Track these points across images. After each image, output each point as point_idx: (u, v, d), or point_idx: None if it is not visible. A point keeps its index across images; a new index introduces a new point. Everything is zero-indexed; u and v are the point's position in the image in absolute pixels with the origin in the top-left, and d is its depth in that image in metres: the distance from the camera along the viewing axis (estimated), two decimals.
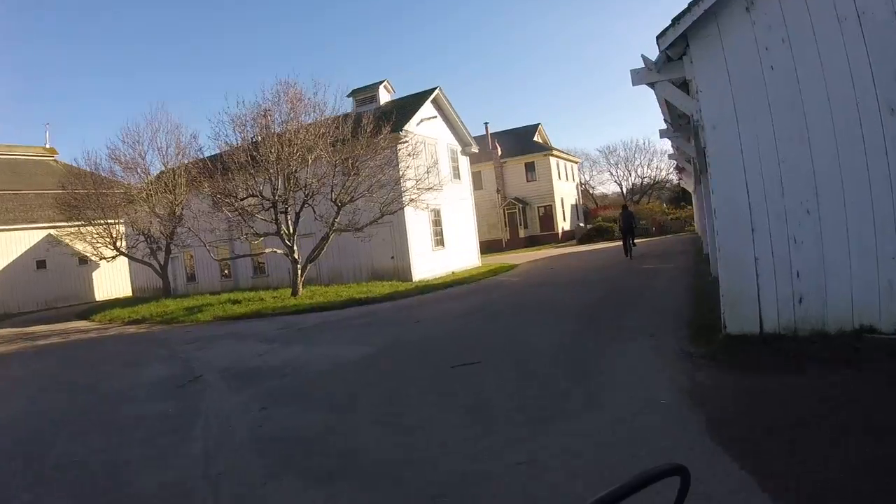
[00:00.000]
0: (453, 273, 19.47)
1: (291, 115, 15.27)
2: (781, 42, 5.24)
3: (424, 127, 20.09)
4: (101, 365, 9.61)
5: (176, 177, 19.55)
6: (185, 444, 4.61)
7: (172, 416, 5.67)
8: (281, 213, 15.40)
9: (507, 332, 8.23)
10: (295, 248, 15.74)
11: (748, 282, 5.33)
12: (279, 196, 15.18)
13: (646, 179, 50.42)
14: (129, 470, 4.17)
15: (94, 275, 26.89)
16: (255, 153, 14.77)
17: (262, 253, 18.24)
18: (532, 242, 34.80)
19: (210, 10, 78.72)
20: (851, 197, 5.01)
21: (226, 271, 22.57)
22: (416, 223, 18.43)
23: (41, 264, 25.15)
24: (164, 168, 20.67)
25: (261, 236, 15.84)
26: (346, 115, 16.58)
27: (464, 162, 23.43)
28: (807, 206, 5.14)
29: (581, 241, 32.11)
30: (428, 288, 15.40)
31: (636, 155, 50.33)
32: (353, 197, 15.40)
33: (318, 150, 14.83)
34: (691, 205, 31.87)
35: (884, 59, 4.79)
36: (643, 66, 5.82)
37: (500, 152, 35.42)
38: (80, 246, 22.19)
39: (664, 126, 10.69)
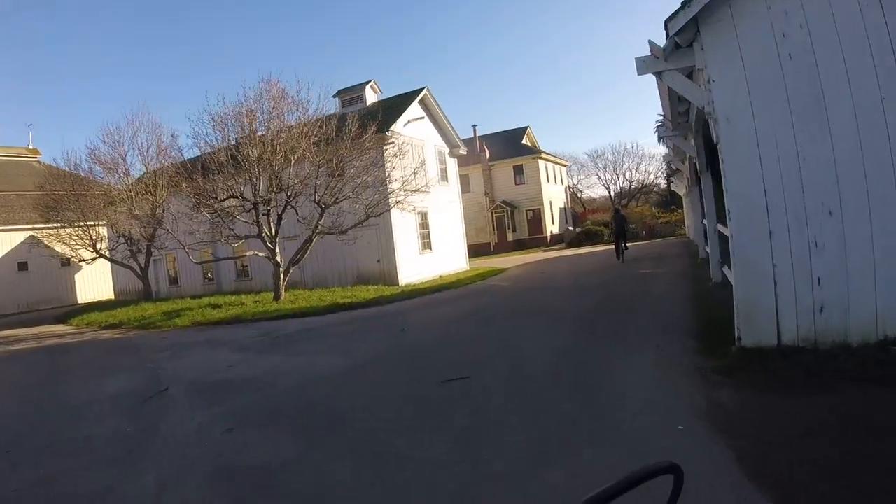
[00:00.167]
0: (441, 277, 18.96)
1: (274, 112, 14.71)
2: (799, 28, 4.81)
3: (412, 128, 19.61)
4: (66, 374, 9.05)
5: (157, 178, 18.98)
6: (137, 476, 4.03)
7: (128, 436, 5.12)
8: (263, 214, 14.79)
9: (500, 341, 7.71)
10: (277, 250, 15.11)
11: (765, 290, 4.85)
12: (261, 197, 14.58)
13: (634, 183, 50.58)
14: None
15: (77, 277, 26.19)
16: (235, 153, 14.18)
17: (243, 256, 17.60)
18: (520, 246, 34.41)
19: (210, 10, 77.70)
20: (876, 195, 4.59)
21: (209, 274, 22.01)
22: (402, 226, 17.90)
23: (23, 266, 24.54)
24: (145, 169, 20.09)
25: (241, 239, 15.16)
26: (330, 116, 16.04)
27: (452, 164, 22.96)
28: (829, 207, 4.70)
29: (570, 245, 31.72)
30: (415, 292, 14.90)
31: (624, 159, 50.53)
32: (337, 198, 14.84)
33: (301, 150, 14.25)
34: (681, 208, 31.73)
35: None
36: (650, 53, 5.35)
37: (488, 155, 35.01)
38: (59, 248, 21.55)
39: (656, 128, 10.31)
